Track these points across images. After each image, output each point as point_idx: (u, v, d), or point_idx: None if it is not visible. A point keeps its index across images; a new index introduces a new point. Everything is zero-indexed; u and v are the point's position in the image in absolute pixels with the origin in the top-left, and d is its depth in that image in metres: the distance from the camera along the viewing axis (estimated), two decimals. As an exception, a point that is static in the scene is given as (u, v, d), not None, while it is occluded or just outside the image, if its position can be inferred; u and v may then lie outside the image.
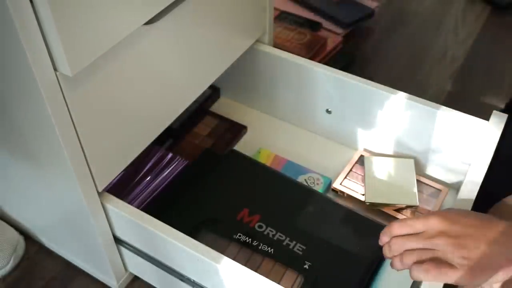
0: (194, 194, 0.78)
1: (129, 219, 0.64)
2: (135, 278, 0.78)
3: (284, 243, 0.72)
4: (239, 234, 0.73)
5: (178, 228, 0.62)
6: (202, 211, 0.76)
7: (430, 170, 0.85)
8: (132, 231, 0.67)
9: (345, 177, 0.85)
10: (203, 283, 0.66)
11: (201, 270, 0.63)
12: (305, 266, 0.69)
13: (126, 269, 0.76)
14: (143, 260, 0.70)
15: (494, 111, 0.76)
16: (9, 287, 0.77)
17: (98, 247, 0.69)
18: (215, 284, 0.63)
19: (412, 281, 0.68)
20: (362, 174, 0.85)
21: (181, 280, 0.68)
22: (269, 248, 0.71)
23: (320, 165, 0.87)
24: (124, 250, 0.72)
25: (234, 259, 0.59)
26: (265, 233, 0.73)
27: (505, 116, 0.75)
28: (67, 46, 0.47)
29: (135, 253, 0.70)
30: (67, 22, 0.46)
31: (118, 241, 0.70)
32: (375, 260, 0.72)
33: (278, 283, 0.57)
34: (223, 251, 0.68)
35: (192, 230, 0.69)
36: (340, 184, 0.84)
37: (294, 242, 0.72)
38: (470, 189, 0.66)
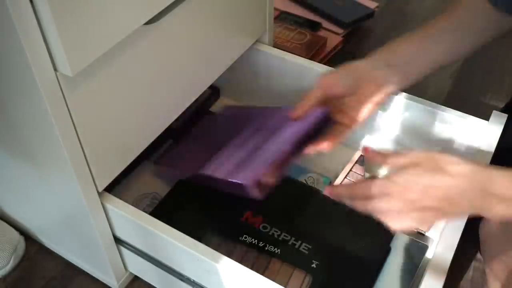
0: (197, 197, 0.78)
1: (129, 219, 0.64)
2: (135, 278, 0.78)
3: (290, 243, 0.72)
4: (244, 236, 0.73)
5: (183, 232, 0.62)
6: (206, 214, 0.76)
7: (430, 170, 0.85)
8: (132, 231, 0.67)
9: (345, 177, 0.85)
10: (203, 283, 0.66)
11: (201, 270, 0.63)
12: (312, 265, 0.69)
13: (126, 269, 0.76)
14: (143, 260, 0.70)
15: (494, 111, 0.76)
16: (9, 287, 0.77)
17: (98, 247, 0.69)
18: (215, 284, 0.63)
19: (416, 278, 0.68)
20: (362, 174, 0.85)
21: (181, 280, 0.68)
22: (276, 249, 0.71)
23: (320, 165, 0.87)
24: (124, 250, 0.72)
25: (241, 260, 0.59)
26: (270, 233, 0.73)
27: (505, 116, 0.75)
28: (67, 46, 0.47)
29: (135, 253, 0.70)
30: (67, 22, 0.46)
31: (118, 241, 0.70)
32: (380, 258, 0.72)
33: (287, 283, 0.57)
34: (229, 253, 0.68)
35: (197, 233, 0.69)
36: (340, 184, 0.84)
37: (299, 242, 0.72)
38: (470, 189, 0.66)
